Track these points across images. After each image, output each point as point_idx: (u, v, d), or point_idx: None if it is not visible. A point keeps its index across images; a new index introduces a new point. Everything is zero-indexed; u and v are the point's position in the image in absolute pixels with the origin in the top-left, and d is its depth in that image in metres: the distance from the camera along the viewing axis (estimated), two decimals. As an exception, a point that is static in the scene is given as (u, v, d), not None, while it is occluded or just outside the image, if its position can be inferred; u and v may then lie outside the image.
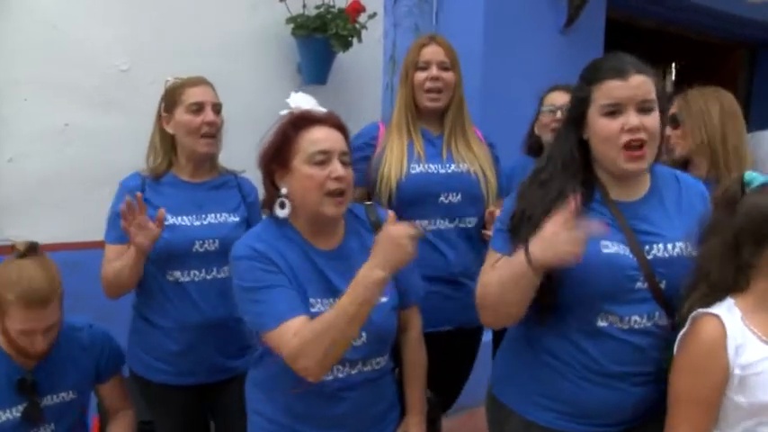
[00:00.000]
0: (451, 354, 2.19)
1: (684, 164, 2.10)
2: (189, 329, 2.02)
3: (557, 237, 1.36)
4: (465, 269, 2.17)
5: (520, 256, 1.41)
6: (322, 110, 1.63)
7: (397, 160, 2.14)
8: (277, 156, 1.58)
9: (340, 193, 1.54)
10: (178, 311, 2.01)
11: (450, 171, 2.17)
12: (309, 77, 3.14)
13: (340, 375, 1.57)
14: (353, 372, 1.58)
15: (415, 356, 1.76)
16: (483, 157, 2.22)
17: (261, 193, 2.23)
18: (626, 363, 1.53)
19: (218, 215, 2.07)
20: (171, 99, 2.06)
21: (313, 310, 1.52)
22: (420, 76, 2.18)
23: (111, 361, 2.00)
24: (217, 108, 2.08)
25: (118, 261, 1.98)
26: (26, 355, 1.77)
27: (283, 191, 1.58)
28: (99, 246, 2.75)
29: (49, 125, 2.73)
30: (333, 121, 1.60)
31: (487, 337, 2.44)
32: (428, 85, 2.17)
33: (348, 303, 1.40)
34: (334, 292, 1.54)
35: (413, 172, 2.14)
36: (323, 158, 1.53)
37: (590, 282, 1.49)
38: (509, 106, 3.29)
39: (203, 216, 2.05)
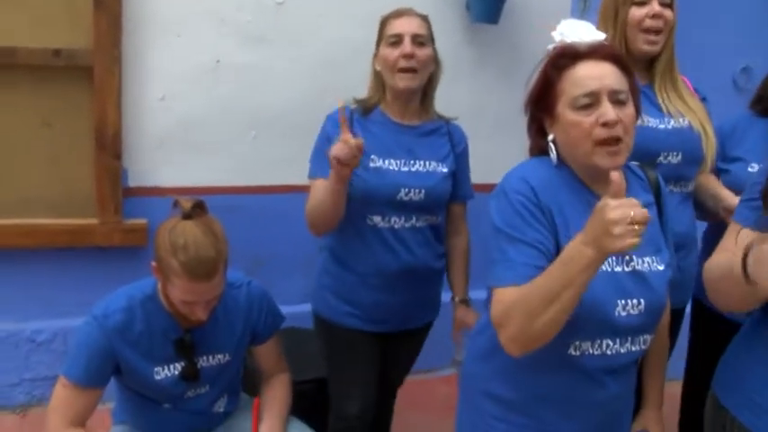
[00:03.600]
0: None
1: None
2: (385, 276, 1.92)
3: None
4: (680, 236, 1.81)
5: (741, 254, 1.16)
6: (594, 38, 1.34)
7: None
8: (540, 101, 1.37)
9: (613, 141, 1.28)
10: (375, 257, 1.92)
11: (670, 127, 1.84)
12: (478, 16, 2.80)
13: (609, 352, 1.32)
14: (622, 350, 1.33)
15: (661, 342, 1.54)
16: (700, 112, 1.89)
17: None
18: None
19: (426, 163, 1.93)
20: (379, 33, 1.94)
21: None
22: (637, 12, 1.82)
23: (268, 322, 1.84)
24: (420, 40, 1.87)
25: (320, 193, 1.85)
26: (185, 319, 1.66)
27: (550, 137, 1.37)
28: (251, 191, 2.67)
29: (200, 62, 2.59)
30: (602, 53, 1.32)
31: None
32: (648, 23, 1.81)
33: (555, 279, 1.17)
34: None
35: None
36: (588, 101, 1.28)
37: None
38: (711, 53, 2.84)
39: (411, 162, 1.92)
